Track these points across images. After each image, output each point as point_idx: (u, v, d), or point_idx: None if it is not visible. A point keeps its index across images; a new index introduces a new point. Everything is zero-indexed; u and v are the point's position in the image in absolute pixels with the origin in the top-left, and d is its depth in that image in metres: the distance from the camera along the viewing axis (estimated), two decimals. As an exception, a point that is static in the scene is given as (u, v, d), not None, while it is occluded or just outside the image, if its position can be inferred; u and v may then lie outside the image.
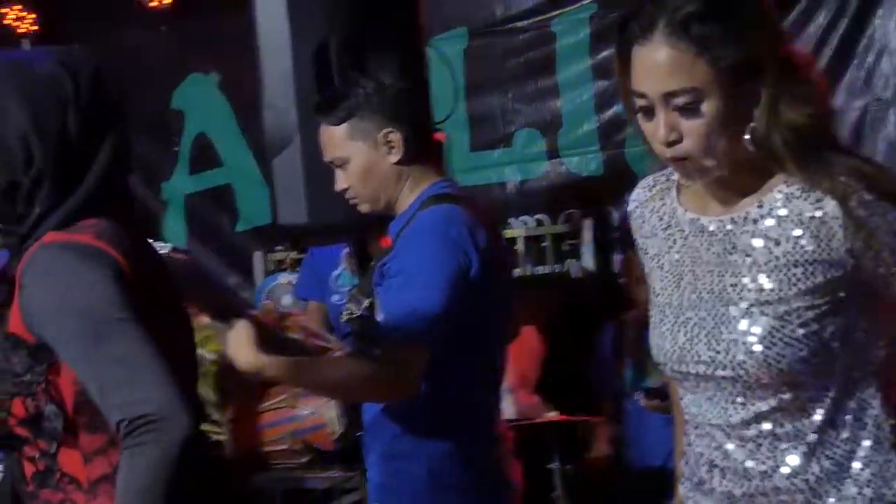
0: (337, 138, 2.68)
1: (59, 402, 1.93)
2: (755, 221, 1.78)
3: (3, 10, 6.21)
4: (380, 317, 2.59)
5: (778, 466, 1.79)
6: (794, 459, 1.79)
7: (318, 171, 2.86)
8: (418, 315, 2.48)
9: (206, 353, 4.62)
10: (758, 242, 1.78)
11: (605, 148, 5.34)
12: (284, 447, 4.38)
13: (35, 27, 6.22)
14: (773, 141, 1.72)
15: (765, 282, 1.76)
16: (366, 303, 2.67)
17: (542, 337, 4.83)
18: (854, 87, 4.95)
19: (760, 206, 1.78)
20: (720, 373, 1.79)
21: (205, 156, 6.18)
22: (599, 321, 4.96)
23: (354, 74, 2.76)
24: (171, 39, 6.19)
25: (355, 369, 2.55)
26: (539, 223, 5.54)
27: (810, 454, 1.78)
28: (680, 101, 1.71)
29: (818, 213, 1.73)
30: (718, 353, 1.79)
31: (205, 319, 2.46)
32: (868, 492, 1.78)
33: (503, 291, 2.69)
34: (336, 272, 4.42)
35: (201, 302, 2.44)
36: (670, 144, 1.74)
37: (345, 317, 2.77)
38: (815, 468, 1.78)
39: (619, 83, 1.80)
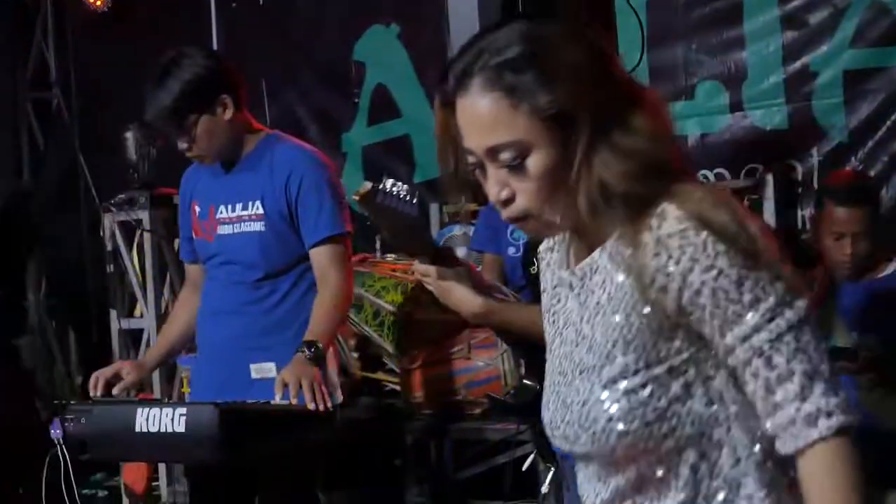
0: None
1: None
2: (592, 274, 1.62)
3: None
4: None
5: None
6: None
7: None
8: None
9: (384, 303, 4.70)
10: (591, 298, 1.62)
11: (790, 101, 5.16)
12: (459, 398, 4.43)
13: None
14: (579, 199, 1.54)
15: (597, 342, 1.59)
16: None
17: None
18: None
19: (593, 258, 1.63)
20: (578, 449, 1.63)
21: (383, 107, 6.24)
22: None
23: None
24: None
25: None
26: (719, 177, 5.42)
27: None
28: (505, 156, 1.54)
29: (619, 278, 1.58)
30: (569, 424, 1.62)
31: (422, 266, 2.49)
32: None
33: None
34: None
35: (418, 248, 2.51)
36: (505, 204, 1.57)
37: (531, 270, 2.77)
38: None
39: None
